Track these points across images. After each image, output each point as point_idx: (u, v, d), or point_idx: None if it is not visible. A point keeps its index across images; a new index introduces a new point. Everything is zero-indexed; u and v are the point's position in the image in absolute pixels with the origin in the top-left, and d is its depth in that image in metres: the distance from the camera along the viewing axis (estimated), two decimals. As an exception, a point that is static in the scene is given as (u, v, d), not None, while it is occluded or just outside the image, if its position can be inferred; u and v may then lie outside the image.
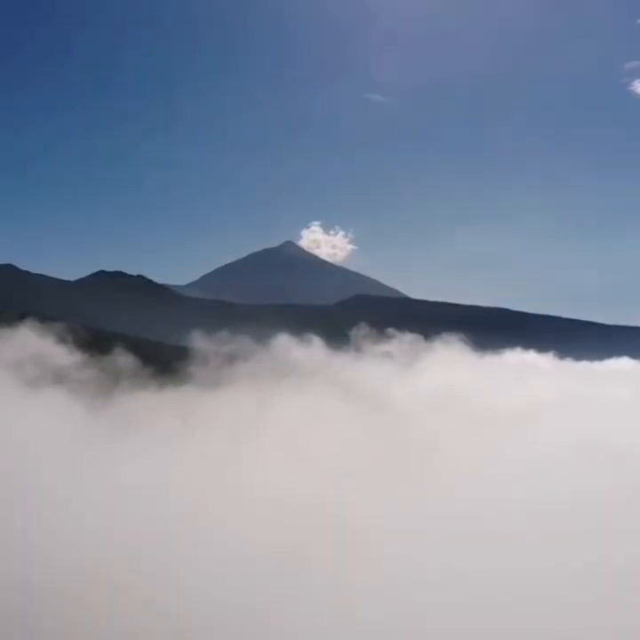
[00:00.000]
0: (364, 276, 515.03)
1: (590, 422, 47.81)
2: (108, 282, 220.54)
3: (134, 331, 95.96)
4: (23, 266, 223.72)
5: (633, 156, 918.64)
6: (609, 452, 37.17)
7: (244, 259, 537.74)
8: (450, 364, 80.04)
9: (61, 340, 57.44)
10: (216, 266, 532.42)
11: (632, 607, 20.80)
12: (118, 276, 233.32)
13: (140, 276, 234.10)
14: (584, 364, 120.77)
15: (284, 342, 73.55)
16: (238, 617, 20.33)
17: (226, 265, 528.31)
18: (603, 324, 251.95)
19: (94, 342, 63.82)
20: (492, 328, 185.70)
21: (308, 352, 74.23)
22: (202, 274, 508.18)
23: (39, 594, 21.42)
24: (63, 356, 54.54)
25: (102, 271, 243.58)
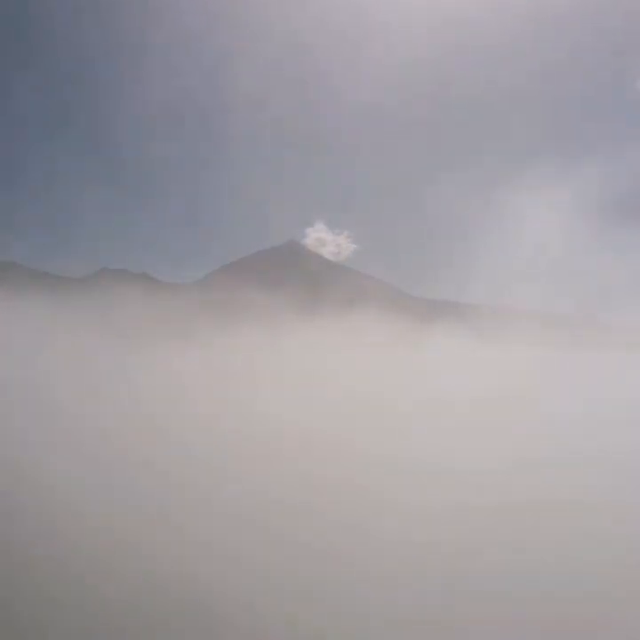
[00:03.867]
0: (366, 274, 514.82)
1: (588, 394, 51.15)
2: (112, 279, 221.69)
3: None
4: (27, 263, 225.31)
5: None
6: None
7: (249, 257, 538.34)
8: (449, 353, 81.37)
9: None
10: (221, 264, 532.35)
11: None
12: (122, 273, 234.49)
13: (143, 274, 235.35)
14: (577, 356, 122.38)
15: (291, 316, 75.96)
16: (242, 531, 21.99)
17: (231, 263, 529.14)
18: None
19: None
20: (494, 325, 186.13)
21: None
22: (207, 272, 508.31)
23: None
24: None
25: (106, 269, 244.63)
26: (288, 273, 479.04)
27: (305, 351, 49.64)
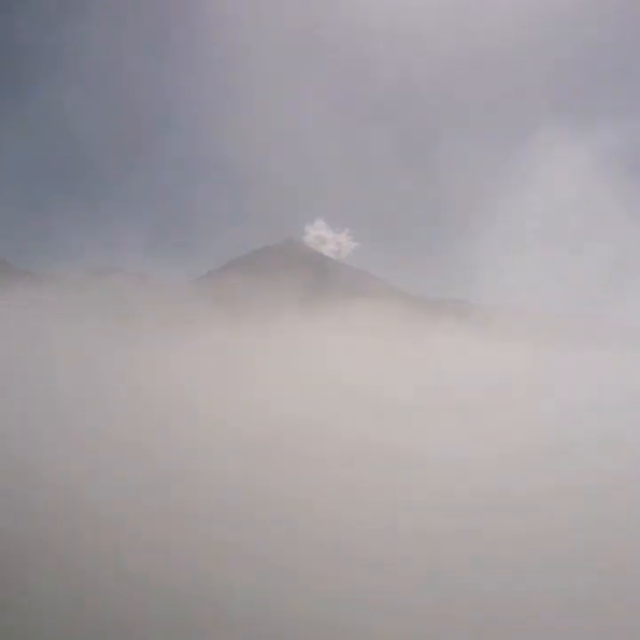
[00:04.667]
0: (367, 273, 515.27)
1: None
2: (111, 278, 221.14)
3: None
4: (19, 262, 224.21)
5: None
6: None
7: (249, 255, 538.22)
8: (451, 352, 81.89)
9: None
10: (221, 262, 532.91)
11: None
12: (121, 272, 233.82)
13: (143, 273, 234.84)
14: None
15: (292, 315, 76.86)
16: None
17: (231, 261, 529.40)
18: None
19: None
20: (495, 324, 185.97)
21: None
22: (207, 270, 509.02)
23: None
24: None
25: (104, 268, 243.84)
26: (288, 271, 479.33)
27: (306, 349, 50.44)
